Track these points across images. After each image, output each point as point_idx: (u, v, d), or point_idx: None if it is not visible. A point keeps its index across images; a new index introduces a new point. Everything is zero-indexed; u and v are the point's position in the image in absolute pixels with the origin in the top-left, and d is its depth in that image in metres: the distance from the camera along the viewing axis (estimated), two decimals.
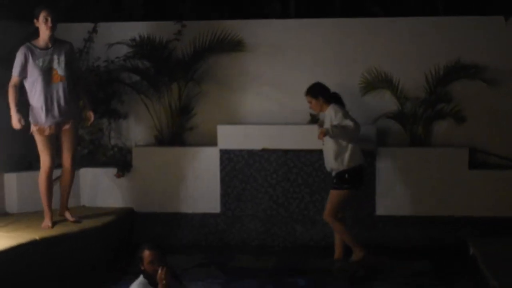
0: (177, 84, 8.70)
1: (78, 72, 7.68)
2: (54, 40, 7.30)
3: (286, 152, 8.34)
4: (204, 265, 7.66)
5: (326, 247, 7.83)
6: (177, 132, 8.79)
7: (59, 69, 7.28)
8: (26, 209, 8.04)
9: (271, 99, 8.67)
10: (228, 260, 7.83)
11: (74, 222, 7.58)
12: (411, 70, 8.45)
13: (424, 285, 6.96)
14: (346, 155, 7.27)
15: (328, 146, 7.34)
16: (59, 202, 7.67)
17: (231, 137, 8.43)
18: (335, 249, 7.54)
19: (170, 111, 8.73)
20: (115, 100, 8.78)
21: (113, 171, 8.50)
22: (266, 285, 6.96)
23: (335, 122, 7.21)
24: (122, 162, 8.56)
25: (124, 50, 8.64)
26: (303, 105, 7.66)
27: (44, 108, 7.19)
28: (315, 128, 7.69)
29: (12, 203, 8.12)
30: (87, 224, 7.64)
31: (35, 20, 7.21)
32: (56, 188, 7.64)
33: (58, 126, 7.32)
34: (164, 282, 5.38)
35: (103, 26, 8.74)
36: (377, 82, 8.46)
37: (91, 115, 7.57)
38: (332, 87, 7.85)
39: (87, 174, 8.59)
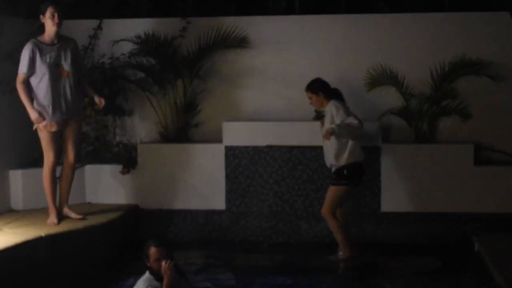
0: (182, 80, 8.70)
1: (83, 69, 7.68)
2: (59, 37, 7.30)
3: (291, 148, 8.34)
4: (208, 262, 7.65)
5: (331, 244, 7.82)
6: (182, 129, 8.79)
7: (65, 65, 7.29)
8: (32, 206, 8.06)
9: (276, 96, 8.66)
10: (233, 257, 7.83)
11: (77, 219, 7.57)
12: (416, 66, 8.44)
13: (429, 281, 6.95)
14: (346, 152, 7.29)
15: (329, 142, 7.34)
16: (59, 200, 7.66)
17: (236, 133, 8.43)
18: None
19: (175, 107, 8.73)
20: (120, 97, 8.79)
21: (118, 168, 8.51)
22: (271, 282, 6.95)
23: (337, 120, 7.21)
24: (127, 159, 8.56)
25: (129, 47, 8.65)
26: (308, 102, 7.65)
27: (51, 104, 7.18)
28: (319, 125, 7.69)
29: (17, 200, 8.13)
30: (92, 220, 7.65)
31: (41, 16, 7.21)
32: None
33: (63, 123, 7.32)
34: (168, 274, 5.39)
35: (108, 23, 8.75)
36: (382, 78, 8.45)
37: (101, 100, 7.54)
38: (337, 83, 7.86)
39: (92, 171, 8.60)
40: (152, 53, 8.67)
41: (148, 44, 8.65)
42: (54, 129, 7.26)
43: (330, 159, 7.40)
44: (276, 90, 8.68)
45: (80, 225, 7.45)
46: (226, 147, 8.44)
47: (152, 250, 5.52)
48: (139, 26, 8.72)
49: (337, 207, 7.45)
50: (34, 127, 7.30)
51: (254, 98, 8.76)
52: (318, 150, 8.05)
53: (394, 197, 8.23)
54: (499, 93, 8.39)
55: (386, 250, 7.95)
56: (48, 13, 7.16)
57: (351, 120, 7.17)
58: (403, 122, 8.51)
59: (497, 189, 8.07)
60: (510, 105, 8.40)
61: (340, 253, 7.51)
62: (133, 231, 8.45)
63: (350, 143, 7.29)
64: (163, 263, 5.44)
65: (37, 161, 8.21)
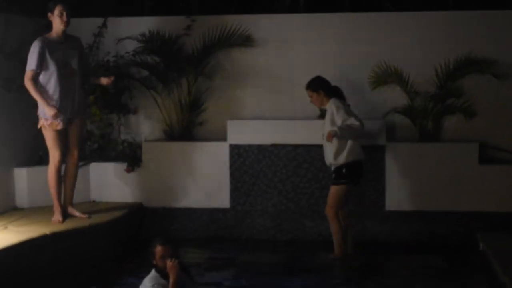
0: (187, 79, 8.70)
1: (88, 67, 7.69)
2: (66, 35, 7.32)
3: (296, 147, 8.34)
4: (213, 260, 7.66)
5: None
6: (187, 127, 8.79)
7: (73, 63, 7.31)
8: (37, 204, 8.07)
9: (281, 94, 8.66)
10: (237, 255, 7.83)
11: (82, 218, 7.58)
12: (421, 64, 8.42)
13: (434, 280, 6.94)
14: (345, 151, 7.28)
15: (328, 142, 7.34)
16: (63, 199, 7.66)
17: (241, 132, 8.43)
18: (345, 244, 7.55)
19: (179, 106, 8.73)
20: (125, 95, 8.80)
21: (122, 166, 8.52)
22: (275, 280, 6.95)
23: (337, 119, 7.22)
24: (132, 157, 8.58)
25: (133, 45, 8.65)
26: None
27: (59, 102, 7.19)
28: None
29: (22, 197, 8.14)
30: (96, 219, 7.66)
31: (49, 14, 7.22)
32: None
33: (69, 121, 7.33)
34: (174, 272, 5.40)
35: (112, 21, 8.75)
36: (387, 76, 8.44)
37: (109, 78, 7.51)
38: (342, 81, 7.86)
39: (96, 169, 8.61)
40: (156, 51, 8.67)
41: (152, 42, 8.65)
42: (60, 127, 7.26)
43: (329, 158, 7.40)
44: (280, 88, 8.68)
45: (84, 223, 7.46)
46: (230, 145, 8.44)
47: (158, 248, 5.53)
48: (144, 24, 8.73)
49: (340, 206, 7.45)
50: (39, 125, 7.31)
51: (258, 96, 8.76)
52: (322, 149, 8.03)
53: (398, 195, 8.23)
54: (504, 91, 8.37)
55: (390, 249, 7.95)
56: (56, 11, 7.17)
57: (353, 121, 7.17)
58: (407, 120, 8.50)
59: (502, 188, 8.05)
60: None
61: (330, 255, 7.52)
62: (138, 229, 8.46)
63: (350, 142, 7.29)
64: (169, 261, 5.45)
65: (42, 159, 8.23)
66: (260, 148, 8.41)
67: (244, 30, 8.69)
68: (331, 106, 7.35)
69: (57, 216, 7.40)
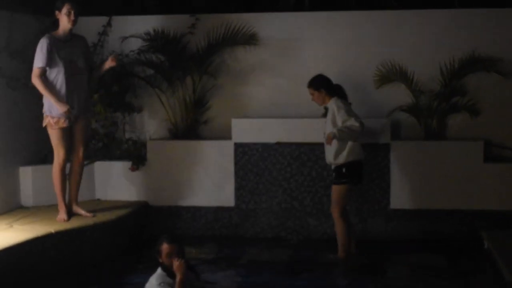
0: (191, 77, 8.70)
1: (92, 66, 7.69)
2: (72, 34, 7.33)
3: (300, 145, 8.34)
4: (218, 259, 7.66)
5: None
6: (192, 126, 8.80)
7: (79, 61, 7.33)
8: (41, 203, 8.09)
9: (286, 92, 8.66)
10: (242, 254, 7.84)
11: (87, 216, 7.59)
12: (426, 63, 8.41)
13: (438, 279, 6.93)
14: (345, 150, 7.28)
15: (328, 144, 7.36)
16: (68, 197, 7.68)
17: (245, 130, 8.43)
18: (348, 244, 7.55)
19: (184, 104, 8.74)
20: (130, 94, 8.81)
21: (127, 164, 8.53)
22: (280, 279, 6.95)
23: (338, 120, 7.21)
24: (137, 156, 8.58)
25: (138, 43, 8.66)
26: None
27: (65, 100, 7.19)
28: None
29: (27, 196, 8.16)
30: (101, 217, 7.67)
31: (56, 12, 7.24)
32: None
33: (75, 118, 7.34)
34: (181, 272, 5.41)
35: (117, 20, 8.76)
36: (392, 75, 8.43)
37: (111, 59, 7.47)
38: (346, 80, 7.86)
39: (101, 168, 8.63)
40: (161, 49, 8.68)
41: (157, 41, 8.65)
42: (66, 124, 7.27)
43: (329, 157, 7.40)
44: (285, 87, 8.68)
45: (89, 221, 7.48)
46: (235, 144, 8.45)
47: (165, 246, 5.54)
48: (148, 23, 8.73)
49: (344, 205, 7.44)
50: (44, 124, 7.32)
51: (263, 95, 8.76)
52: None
53: (403, 194, 8.22)
54: (509, 89, 8.35)
55: (395, 247, 7.95)
56: (64, 10, 7.19)
57: (352, 123, 7.15)
58: (412, 119, 8.49)
59: (507, 186, 8.04)
60: None
61: (332, 255, 7.53)
62: (143, 228, 8.47)
63: (350, 142, 7.28)
64: (175, 260, 5.45)
65: (47, 158, 8.24)
66: (265, 146, 8.41)
67: (248, 28, 8.68)
68: (332, 105, 7.34)
69: (62, 215, 7.42)
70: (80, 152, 7.58)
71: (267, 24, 8.73)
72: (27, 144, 8.23)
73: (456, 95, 8.38)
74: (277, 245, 8.21)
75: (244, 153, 8.44)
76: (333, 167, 7.41)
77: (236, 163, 8.45)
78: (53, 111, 7.24)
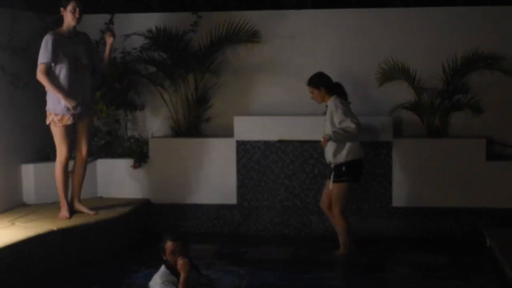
0: (194, 75, 8.70)
1: (97, 61, 7.66)
2: (75, 31, 7.34)
3: (302, 143, 8.34)
4: (220, 256, 7.67)
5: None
6: (194, 123, 8.80)
7: (83, 58, 7.34)
8: (44, 200, 8.10)
9: (288, 90, 8.65)
10: (244, 251, 7.84)
11: (89, 214, 7.59)
12: (428, 60, 8.40)
13: (441, 276, 6.92)
14: (344, 150, 7.29)
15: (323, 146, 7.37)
16: (71, 195, 7.69)
17: (247, 128, 8.43)
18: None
19: (186, 102, 8.74)
20: (132, 92, 8.81)
21: (129, 162, 8.54)
22: (282, 276, 6.95)
23: (336, 120, 7.22)
24: (139, 153, 8.59)
25: (140, 41, 8.66)
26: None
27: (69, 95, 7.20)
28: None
29: (29, 194, 8.16)
30: (103, 215, 7.68)
31: (61, 9, 7.25)
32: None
33: (78, 116, 7.34)
34: (185, 271, 5.41)
35: (119, 17, 8.75)
36: (394, 72, 8.42)
37: (109, 36, 7.52)
38: (349, 77, 7.87)
39: (103, 165, 8.63)
40: (163, 47, 8.68)
41: (159, 39, 8.65)
42: (70, 122, 7.28)
43: (329, 156, 7.40)
44: (287, 84, 8.67)
45: (91, 219, 7.48)
46: (237, 141, 8.45)
47: (168, 244, 5.54)
48: (151, 20, 8.74)
49: (346, 204, 7.45)
50: (48, 121, 7.33)
51: (265, 92, 8.75)
52: None
53: (405, 192, 8.22)
54: None
55: (396, 245, 7.94)
56: (70, 7, 7.20)
57: (348, 124, 7.15)
58: (415, 116, 8.49)
59: (509, 184, 8.03)
60: None
61: (336, 251, 7.54)
62: (145, 225, 8.47)
63: (349, 142, 7.29)
64: (180, 259, 5.45)
65: (49, 155, 8.25)
66: (267, 144, 8.41)
67: (251, 26, 8.68)
68: (331, 104, 7.34)
69: (64, 212, 7.42)
70: (84, 150, 7.59)
71: (269, 21, 8.72)
72: (29, 142, 8.24)
73: (459, 92, 8.37)
74: (279, 242, 8.21)
75: (246, 151, 8.44)
76: (332, 165, 7.41)
77: (238, 161, 8.45)
78: (57, 108, 7.24)
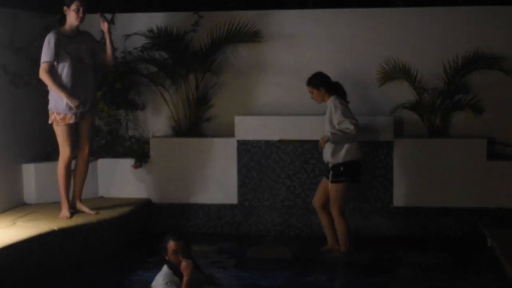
0: (194, 75, 8.70)
1: (103, 56, 7.62)
2: (78, 30, 7.34)
3: (303, 143, 8.34)
4: (220, 256, 7.66)
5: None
6: (195, 123, 8.80)
7: (85, 57, 7.34)
8: (45, 200, 8.10)
9: (289, 90, 8.64)
10: (245, 251, 7.84)
11: (90, 214, 7.59)
12: (429, 60, 8.40)
13: (441, 277, 6.93)
14: (343, 150, 7.29)
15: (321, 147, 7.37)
16: (72, 194, 7.69)
17: (248, 128, 8.43)
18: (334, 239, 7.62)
19: (187, 102, 8.74)
20: (133, 91, 8.81)
21: (130, 162, 8.53)
22: (283, 276, 6.95)
23: (334, 120, 7.23)
24: (140, 153, 8.58)
25: (141, 41, 8.66)
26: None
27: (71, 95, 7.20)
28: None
29: (30, 193, 8.16)
30: (104, 214, 7.68)
31: (65, 8, 7.25)
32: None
33: (81, 115, 7.34)
34: (188, 272, 5.40)
35: (120, 17, 8.75)
36: (395, 72, 8.42)
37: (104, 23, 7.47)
38: (350, 77, 7.87)
39: (104, 165, 8.63)
40: (164, 47, 8.68)
41: (160, 38, 8.66)
42: (72, 121, 7.28)
43: (327, 155, 7.40)
44: (288, 84, 8.66)
45: (92, 219, 7.48)
46: (238, 141, 8.45)
47: (171, 244, 5.53)
48: (152, 20, 8.74)
49: (344, 204, 7.46)
50: (50, 120, 7.33)
51: (266, 92, 8.75)
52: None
53: (406, 191, 8.22)
54: None
55: (397, 245, 7.94)
56: (74, 6, 7.20)
57: (347, 125, 7.15)
58: (415, 116, 8.48)
59: (510, 184, 8.02)
60: None
61: (329, 247, 7.56)
62: (146, 225, 8.48)
63: (347, 143, 7.30)
64: (183, 261, 5.44)
65: (50, 155, 8.25)
66: (268, 144, 8.41)
67: (252, 26, 8.68)
68: (330, 104, 7.35)
69: (65, 212, 7.42)
70: (86, 149, 7.59)
71: (270, 21, 8.72)
72: (30, 142, 8.24)
73: (460, 92, 8.37)
74: (280, 242, 8.21)
75: (247, 151, 8.44)
76: (330, 165, 7.41)
77: (239, 161, 8.45)
78: (59, 107, 7.23)
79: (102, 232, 7.48)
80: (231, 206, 8.51)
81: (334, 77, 7.56)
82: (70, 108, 7.20)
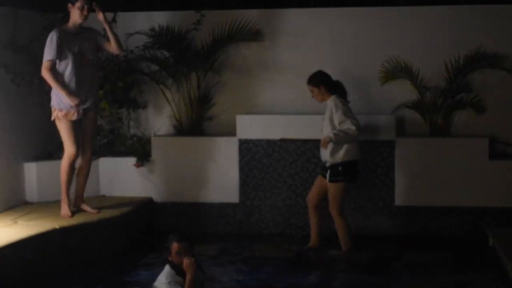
0: (196, 73, 8.70)
1: (107, 46, 7.59)
2: (81, 27, 7.34)
3: (305, 142, 8.33)
4: (222, 255, 7.65)
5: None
6: (196, 122, 8.80)
7: (89, 54, 7.35)
8: (46, 198, 8.10)
9: (290, 89, 8.63)
10: (246, 250, 7.83)
11: (92, 213, 7.60)
12: (431, 59, 8.39)
13: (444, 275, 6.92)
14: (342, 150, 7.29)
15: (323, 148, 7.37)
16: (75, 193, 7.70)
17: (250, 127, 8.43)
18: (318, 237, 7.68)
19: (189, 100, 8.74)
20: (134, 90, 8.81)
21: (132, 160, 8.54)
22: (283, 275, 6.95)
23: (335, 120, 7.24)
24: (141, 152, 8.58)
25: (143, 39, 8.66)
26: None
27: (74, 92, 7.19)
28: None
29: (32, 192, 8.17)
30: (106, 213, 7.69)
31: (69, 5, 7.24)
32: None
33: (83, 112, 7.33)
34: (191, 271, 5.40)
35: (122, 16, 8.74)
36: (397, 71, 8.40)
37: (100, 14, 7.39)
38: (351, 76, 7.85)
39: (106, 164, 8.63)
40: (166, 46, 8.68)
41: (162, 37, 8.65)
42: (75, 117, 7.27)
43: (325, 155, 7.40)
44: (290, 83, 8.66)
45: (94, 217, 7.49)
46: (240, 140, 8.45)
47: (174, 245, 5.53)
48: (153, 19, 8.74)
49: (343, 203, 7.46)
50: (53, 117, 7.32)
51: (268, 91, 8.75)
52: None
53: (407, 191, 8.21)
54: None
55: (399, 244, 7.93)
56: (78, 4, 7.20)
57: (349, 126, 7.16)
58: (417, 115, 8.47)
59: None
60: None
61: (335, 251, 7.57)
62: (147, 224, 8.48)
63: (347, 143, 7.30)
64: (186, 259, 5.44)
65: (52, 154, 8.26)
66: (269, 143, 8.40)
67: (253, 24, 8.67)
68: (331, 104, 7.34)
69: (66, 210, 7.42)
70: (88, 148, 7.59)
71: (272, 20, 8.71)
72: (32, 140, 8.25)
73: (462, 91, 8.36)
74: (281, 241, 8.20)
75: (249, 150, 8.44)
76: (328, 164, 7.40)
77: (240, 160, 8.45)
78: (61, 104, 7.23)
79: (103, 231, 7.49)
80: (232, 205, 8.51)
81: (335, 76, 7.56)
82: (71, 105, 7.20)
